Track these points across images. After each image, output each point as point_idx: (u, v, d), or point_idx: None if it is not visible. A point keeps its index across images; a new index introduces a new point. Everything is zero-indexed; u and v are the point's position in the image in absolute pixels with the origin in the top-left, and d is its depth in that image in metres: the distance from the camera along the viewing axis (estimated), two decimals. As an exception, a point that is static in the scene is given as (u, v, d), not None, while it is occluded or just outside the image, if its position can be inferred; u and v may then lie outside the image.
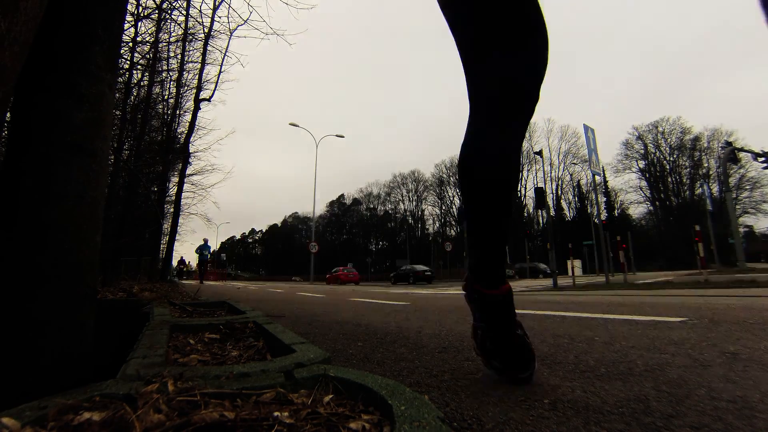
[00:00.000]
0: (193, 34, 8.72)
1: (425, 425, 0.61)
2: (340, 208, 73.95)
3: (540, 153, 16.24)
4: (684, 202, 45.77)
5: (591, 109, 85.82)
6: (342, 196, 75.15)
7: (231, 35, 9.00)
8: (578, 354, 1.61)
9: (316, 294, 8.48)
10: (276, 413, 0.65)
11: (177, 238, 12.29)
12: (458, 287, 11.73)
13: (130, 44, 5.91)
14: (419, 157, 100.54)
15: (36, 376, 1.03)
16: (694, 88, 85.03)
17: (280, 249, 79.48)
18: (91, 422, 0.60)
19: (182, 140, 10.53)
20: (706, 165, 45.48)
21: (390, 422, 0.65)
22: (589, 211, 48.68)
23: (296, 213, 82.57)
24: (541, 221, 50.18)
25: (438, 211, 60.68)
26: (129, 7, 4.78)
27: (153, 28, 6.96)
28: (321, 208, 75.28)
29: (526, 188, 54.27)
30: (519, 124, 1.11)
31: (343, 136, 27.84)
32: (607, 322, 2.57)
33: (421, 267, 24.47)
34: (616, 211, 50.25)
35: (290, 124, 25.71)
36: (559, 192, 53.60)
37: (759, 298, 3.96)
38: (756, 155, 19.26)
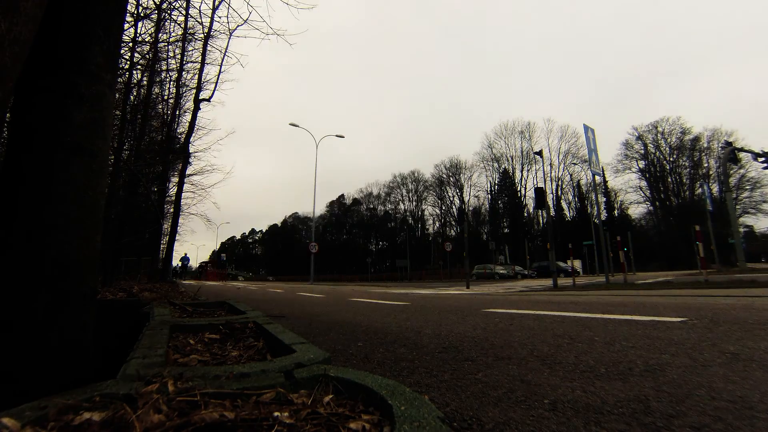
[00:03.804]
0: (193, 34, 8.72)
1: (425, 425, 0.61)
2: (340, 208, 73.97)
3: (540, 153, 16.24)
4: (684, 202, 45.77)
5: (591, 109, 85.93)
6: (342, 196, 75.21)
7: (231, 35, 9.00)
8: (578, 354, 1.61)
9: (316, 294, 8.48)
10: (276, 413, 0.65)
11: (177, 238, 12.28)
12: (458, 287, 11.72)
13: (130, 44, 5.91)
14: (419, 158, 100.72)
15: (36, 376, 1.03)
16: (696, 87, 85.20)
17: (280, 249, 79.51)
18: (91, 422, 0.60)
19: (182, 140, 10.53)
20: (706, 165, 45.51)
21: (390, 422, 0.65)
22: (589, 211, 48.68)
23: (296, 213, 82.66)
24: (541, 221, 50.17)
25: (438, 211, 60.76)
26: (129, 7, 4.78)
27: (152, 29, 6.96)
28: (321, 208, 75.30)
29: (526, 188, 54.30)
30: None
31: (343, 137, 27.85)
32: (607, 322, 2.57)
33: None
34: (616, 211, 50.23)
35: (290, 124, 25.71)
36: (559, 192, 53.61)
37: (759, 298, 3.96)
38: (756, 155, 19.26)
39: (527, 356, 1.60)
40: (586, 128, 11.70)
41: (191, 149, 10.75)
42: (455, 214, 57.55)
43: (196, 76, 10.13)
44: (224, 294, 7.68)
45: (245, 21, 6.63)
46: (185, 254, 29.12)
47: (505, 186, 55.93)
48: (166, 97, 10.25)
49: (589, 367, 1.39)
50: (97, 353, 1.28)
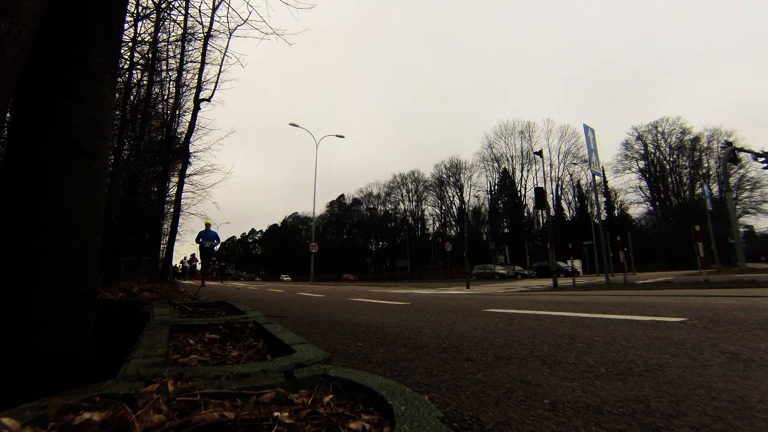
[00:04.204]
0: (193, 33, 8.71)
1: (425, 425, 0.61)
2: (340, 208, 74.06)
3: (540, 153, 16.24)
4: (684, 202, 45.78)
5: (591, 109, 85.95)
6: (342, 196, 75.32)
7: (230, 35, 9.00)
8: (578, 354, 1.61)
9: (316, 294, 8.48)
10: (276, 413, 0.65)
11: (177, 238, 12.26)
12: (458, 287, 11.72)
13: (130, 44, 5.91)
14: (419, 158, 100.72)
15: (36, 376, 1.03)
16: (695, 87, 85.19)
17: (280, 249, 79.66)
18: (91, 422, 0.60)
19: (182, 140, 10.53)
20: (706, 165, 45.55)
21: (390, 422, 0.65)
22: (589, 211, 48.69)
23: (296, 213, 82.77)
24: (541, 221, 50.18)
25: (438, 211, 60.85)
26: (129, 7, 4.78)
27: (152, 28, 6.96)
28: (321, 208, 75.43)
29: (526, 188, 54.35)
30: None
31: (343, 136, 27.86)
32: (607, 322, 2.57)
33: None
34: (616, 211, 50.27)
35: (290, 124, 25.72)
36: (559, 192, 53.66)
37: (759, 298, 3.96)
38: (756, 155, 19.25)
39: (527, 356, 1.60)
40: (586, 128, 11.70)
41: (191, 149, 10.75)
42: (455, 214, 57.54)
43: (196, 76, 10.13)
44: (224, 294, 7.68)
45: (245, 21, 6.64)
46: (207, 225, 12.76)
47: (505, 186, 55.94)
48: (166, 97, 10.25)
49: (589, 367, 1.39)
50: (97, 353, 1.28)
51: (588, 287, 8.81)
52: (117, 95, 5.20)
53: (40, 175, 1.09)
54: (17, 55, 0.90)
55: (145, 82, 8.03)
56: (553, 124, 64.61)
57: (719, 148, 41.57)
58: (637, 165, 50.61)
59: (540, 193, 11.99)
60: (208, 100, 10.50)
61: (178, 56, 9.48)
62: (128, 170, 7.17)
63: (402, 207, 66.39)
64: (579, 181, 53.05)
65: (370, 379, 0.82)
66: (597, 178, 12.45)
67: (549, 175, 53.19)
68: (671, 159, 48.65)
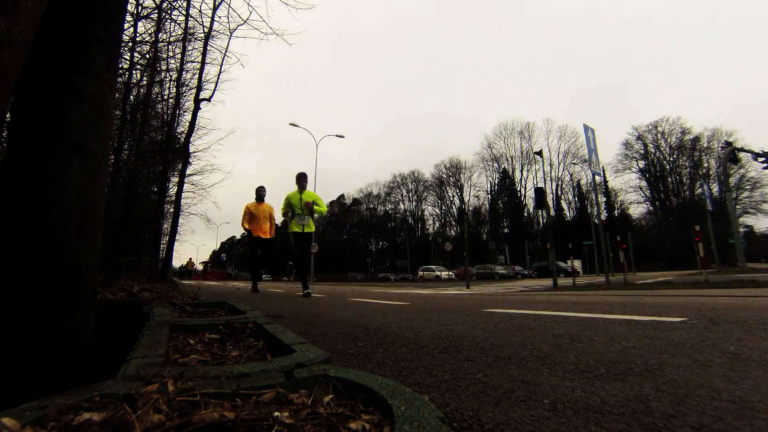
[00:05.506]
0: (193, 33, 8.71)
1: (425, 425, 0.61)
2: (340, 208, 74.09)
3: (540, 153, 16.25)
4: (684, 202, 45.80)
5: (590, 109, 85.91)
6: (342, 196, 75.34)
7: (231, 35, 9.00)
8: (578, 354, 1.61)
9: (316, 294, 8.48)
10: (276, 413, 0.65)
11: (177, 238, 12.26)
12: (458, 287, 11.72)
13: (130, 44, 5.91)
14: (419, 158, 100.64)
15: (36, 376, 1.03)
16: (695, 87, 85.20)
17: (280, 249, 79.73)
18: (91, 422, 0.60)
19: (182, 140, 10.53)
20: (706, 165, 45.54)
21: (390, 422, 0.65)
22: (589, 211, 48.67)
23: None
24: (541, 221, 50.18)
25: (438, 211, 60.88)
26: (129, 7, 4.78)
27: (152, 28, 6.95)
28: (321, 208, 75.35)
29: (526, 188, 54.36)
30: None
31: (343, 136, 27.87)
32: (607, 322, 2.57)
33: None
34: (616, 211, 50.25)
35: (290, 124, 25.72)
36: (559, 192, 53.65)
37: (759, 298, 3.96)
38: (756, 155, 19.25)
39: (527, 356, 1.60)
40: (586, 128, 11.70)
41: (191, 149, 10.74)
42: (455, 214, 57.56)
43: (196, 75, 10.12)
44: (224, 294, 7.68)
45: (245, 21, 6.65)
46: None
47: (505, 186, 55.94)
48: (166, 97, 10.26)
49: (589, 367, 1.39)
50: (97, 353, 1.28)
51: (588, 287, 8.81)
52: (117, 95, 5.20)
53: (40, 175, 1.09)
54: (17, 55, 0.90)
55: (145, 82, 8.03)
56: (552, 124, 64.60)
57: (719, 148, 41.57)
58: (637, 165, 50.63)
59: (540, 193, 11.98)
60: (209, 100, 10.50)
61: (179, 56, 9.48)
62: (128, 170, 7.17)
63: (402, 207, 66.43)
64: (579, 181, 53.06)
65: (370, 379, 0.83)
66: (597, 178, 12.44)
67: (549, 175, 53.19)
68: (671, 159, 48.68)
